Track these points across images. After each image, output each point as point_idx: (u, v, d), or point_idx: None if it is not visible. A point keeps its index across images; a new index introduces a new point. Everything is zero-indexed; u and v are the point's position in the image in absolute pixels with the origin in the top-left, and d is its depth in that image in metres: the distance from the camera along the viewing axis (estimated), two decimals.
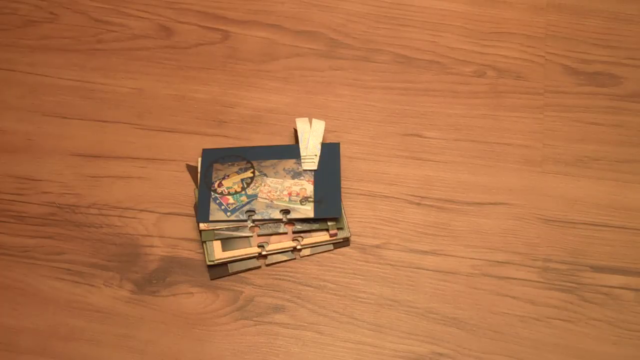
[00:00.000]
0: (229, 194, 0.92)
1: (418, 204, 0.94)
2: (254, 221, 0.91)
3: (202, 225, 0.90)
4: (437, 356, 0.85)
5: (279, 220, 0.91)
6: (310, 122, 0.95)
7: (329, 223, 0.91)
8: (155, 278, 0.89)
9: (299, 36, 1.06)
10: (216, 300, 0.88)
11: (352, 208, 0.94)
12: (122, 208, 0.93)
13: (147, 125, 0.99)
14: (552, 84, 1.03)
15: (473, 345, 0.86)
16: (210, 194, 0.92)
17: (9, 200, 0.93)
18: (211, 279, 0.89)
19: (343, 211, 0.93)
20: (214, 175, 0.93)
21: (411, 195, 0.95)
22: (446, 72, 1.04)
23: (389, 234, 0.92)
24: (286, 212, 0.91)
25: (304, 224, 0.91)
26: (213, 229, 0.90)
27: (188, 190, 0.94)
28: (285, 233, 0.91)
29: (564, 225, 0.93)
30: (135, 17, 1.06)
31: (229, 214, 0.90)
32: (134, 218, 0.92)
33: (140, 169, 0.96)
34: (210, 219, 0.90)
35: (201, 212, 0.91)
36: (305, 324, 0.87)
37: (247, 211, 0.91)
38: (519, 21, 1.08)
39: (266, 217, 0.90)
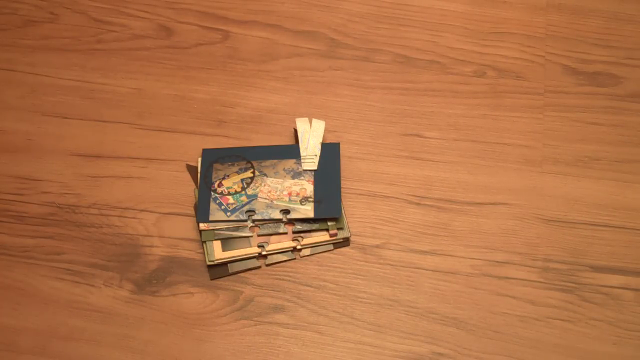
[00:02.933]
0: (229, 193, 0.92)
1: (418, 204, 0.94)
2: (254, 221, 0.91)
3: (202, 225, 0.90)
4: (437, 356, 0.85)
5: (279, 220, 0.91)
6: (310, 122, 0.95)
7: (329, 223, 0.91)
8: (155, 278, 0.89)
9: (299, 36, 1.06)
10: (216, 300, 0.88)
11: (352, 208, 0.94)
12: (122, 208, 0.93)
13: (147, 125, 0.99)
14: (552, 84, 1.03)
15: (473, 345, 0.86)
16: (210, 194, 0.92)
17: (9, 200, 0.93)
18: (211, 279, 0.89)
19: (343, 211, 0.93)
20: (214, 175, 0.93)
21: (411, 195, 0.95)
22: (446, 72, 1.04)
23: (389, 234, 0.92)
24: (286, 212, 0.91)
25: (304, 224, 0.91)
26: (213, 229, 0.90)
27: (188, 190, 0.94)
28: (285, 233, 0.91)
29: (564, 225, 0.93)
30: (135, 17, 1.06)
31: (229, 214, 0.90)
32: (134, 218, 0.92)
33: (140, 169, 0.96)
34: (210, 219, 0.90)
35: (201, 212, 0.91)
36: (305, 324, 0.87)
37: (247, 211, 0.91)
38: (519, 21, 1.08)
39: (266, 217, 0.90)
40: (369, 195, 0.95)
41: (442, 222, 0.93)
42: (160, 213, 0.93)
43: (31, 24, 1.05)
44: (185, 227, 0.92)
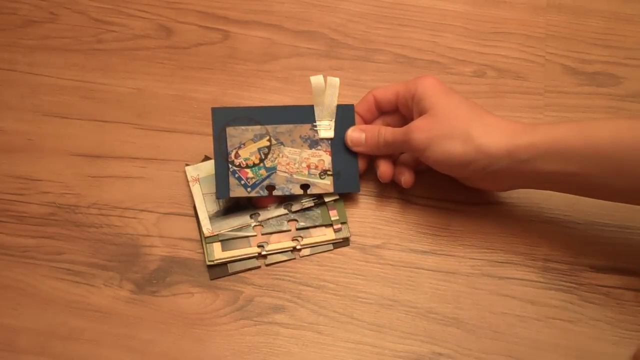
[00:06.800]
0: (247, 166, 0.89)
1: (418, 204, 0.94)
2: (258, 221, 0.90)
3: (207, 232, 0.89)
4: (437, 356, 0.85)
5: (285, 215, 0.90)
6: (325, 80, 0.92)
7: (333, 218, 0.91)
8: (155, 278, 0.89)
9: (299, 36, 1.06)
10: (216, 300, 0.88)
11: (352, 208, 0.94)
12: (122, 208, 0.93)
13: (147, 125, 0.99)
14: (552, 84, 1.03)
15: (473, 345, 0.86)
16: (228, 166, 0.89)
17: (9, 200, 0.93)
18: (211, 279, 0.89)
19: (345, 212, 0.92)
20: (229, 142, 0.90)
21: (411, 195, 0.95)
22: (446, 72, 1.04)
23: (389, 234, 0.92)
24: (306, 186, 0.90)
25: (308, 221, 0.91)
26: (218, 234, 0.89)
27: (188, 190, 0.94)
28: (289, 230, 0.90)
29: (564, 225, 0.93)
30: (135, 17, 1.06)
31: (249, 189, 0.89)
32: (134, 218, 0.92)
33: (140, 169, 0.96)
34: (231, 195, 0.88)
35: (220, 187, 0.88)
36: (305, 324, 0.87)
37: (267, 186, 0.89)
38: (519, 21, 1.08)
39: (287, 193, 0.89)
40: (369, 195, 0.94)
41: (442, 222, 0.93)
42: (160, 213, 0.93)
43: (31, 24, 1.05)
44: (185, 227, 0.92)
